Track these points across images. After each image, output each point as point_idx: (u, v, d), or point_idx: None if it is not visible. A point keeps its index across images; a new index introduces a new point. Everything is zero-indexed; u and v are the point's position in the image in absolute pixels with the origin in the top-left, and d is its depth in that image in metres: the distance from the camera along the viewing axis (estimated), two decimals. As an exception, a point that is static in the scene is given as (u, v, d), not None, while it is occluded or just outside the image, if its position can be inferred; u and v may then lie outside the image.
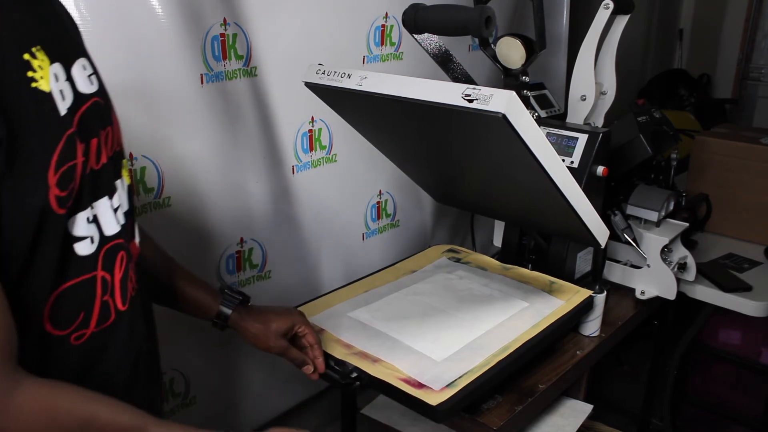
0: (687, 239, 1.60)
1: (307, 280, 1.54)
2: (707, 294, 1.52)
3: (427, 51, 1.23)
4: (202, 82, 1.23)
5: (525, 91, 1.20)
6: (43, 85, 0.58)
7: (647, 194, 1.40)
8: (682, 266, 1.40)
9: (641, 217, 1.39)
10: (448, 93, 0.87)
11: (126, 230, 0.71)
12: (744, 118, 3.45)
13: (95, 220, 0.65)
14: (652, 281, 1.36)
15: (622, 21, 1.34)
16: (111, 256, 0.67)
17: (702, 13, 3.49)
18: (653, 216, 1.38)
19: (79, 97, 0.63)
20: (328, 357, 1.02)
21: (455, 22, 1.07)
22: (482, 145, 1.00)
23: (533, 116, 0.92)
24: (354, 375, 0.99)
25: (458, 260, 1.39)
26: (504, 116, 0.82)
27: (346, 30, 1.48)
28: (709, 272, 1.55)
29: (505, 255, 1.43)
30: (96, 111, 0.66)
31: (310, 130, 1.46)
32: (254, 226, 1.40)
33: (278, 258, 1.46)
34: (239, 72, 1.29)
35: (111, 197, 0.68)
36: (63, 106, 0.60)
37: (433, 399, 0.91)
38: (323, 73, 1.01)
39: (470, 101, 0.84)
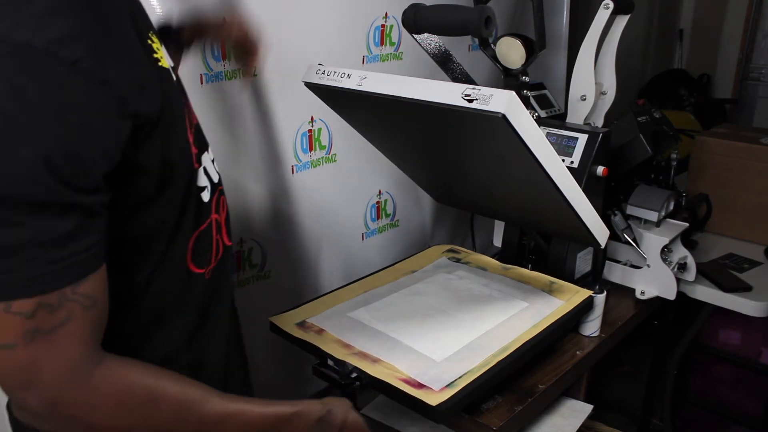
0: (687, 239, 1.60)
1: (307, 280, 1.54)
2: (707, 294, 1.52)
3: (426, 51, 1.23)
4: (201, 82, 1.23)
5: (525, 91, 1.20)
6: (164, 63, 0.67)
7: (647, 194, 1.40)
8: (682, 266, 1.40)
9: (641, 217, 1.39)
10: (448, 93, 0.87)
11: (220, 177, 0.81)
12: (744, 118, 3.45)
13: (206, 171, 0.74)
14: (652, 281, 1.36)
15: (622, 21, 1.33)
16: (218, 200, 0.77)
17: (702, 13, 3.49)
18: (653, 216, 1.38)
19: (173, 69, 0.71)
20: (327, 357, 1.02)
21: (455, 22, 1.07)
22: (482, 145, 1.00)
23: (533, 116, 0.92)
24: (354, 375, 0.99)
25: (458, 260, 1.39)
26: (504, 116, 0.82)
27: (346, 30, 1.48)
28: (709, 272, 1.55)
29: (505, 255, 1.43)
30: (180, 82, 0.74)
31: (310, 130, 1.46)
32: (254, 226, 1.40)
33: (278, 258, 1.46)
34: (239, 72, 1.29)
35: (208, 150, 0.78)
36: (175, 77, 0.70)
37: (433, 399, 0.91)
38: (323, 73, 1.01)
39: (470, 101, 0.84)
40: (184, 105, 0.70)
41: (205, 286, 0.75)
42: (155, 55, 0.65)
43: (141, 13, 0.67)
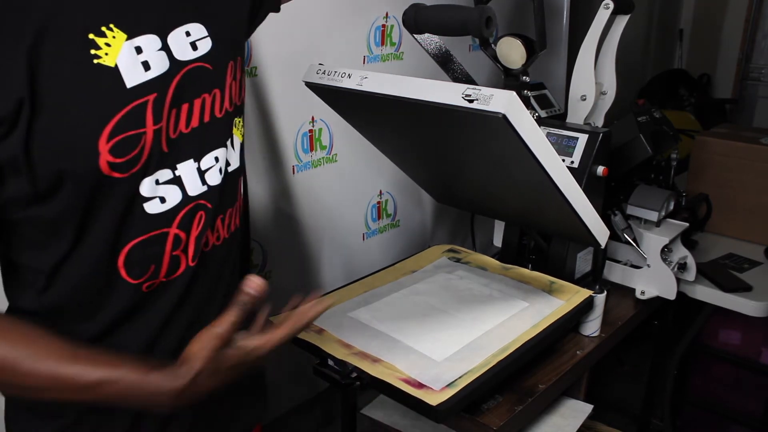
0: (687, 239, 1.60)
1: (308, 280, 1.54)
2: (707, 294, 1.52)
3: (427, 51, 1.23)
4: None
5: (525, 91, 1.20)
6: (108, 61, 0.63)
7: (647, 194, 1.40)
8: (682, 266, 1.40)
9: (641, 217, 1.39)
10: (448, 93, 0.87)
11: (221, 189, 0.75)
12: (744, 118, 3.45)
13: (178, 181, 0.70)
14: (652, 281, 1.36)
15: (622, 21, 1.34)
16: (191, 215, 0.72)
17: (702, 13, 3.49)
18: (653, 216, 1.38)
19: (176, 63, 0.68)
20: (328, 357, 1.03)
21: (455, 22, 1.07)
22: (482, 145, 1.00)
23: (533, 116, 0.92)
24: (354, 375, 0.99)
25: (458, 260, 1.39)
26: (504, 116, 0.82)
27: (346, 30, 1.48)
28: (709, 272, 1.55)
29: (505, 255, 1.43)
30: (196, 76, 0.70)
31: (311, 130, 1.46)
32: (254, 226, 1.40)
33: (278, 258, 1.46)
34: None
35: (199, 160, 0.72)
36: (136, 78, 0.64)
37: (433, 399, 0.91)
38: (323, 73, 1.01)
39: (470, 101, 0.84)
40: (121, 108, 0.64)
41: (141, 299, 0.71)
42: (93, 51, 0.62)
43: (98, 5, 0.63)
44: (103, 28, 0.63)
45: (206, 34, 0.72)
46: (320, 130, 1.47)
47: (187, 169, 0.71)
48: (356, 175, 1.59)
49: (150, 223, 0.69)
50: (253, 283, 0.66)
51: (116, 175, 0.64)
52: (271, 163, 1.39)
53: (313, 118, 1.45)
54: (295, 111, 1.40)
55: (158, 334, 0.74)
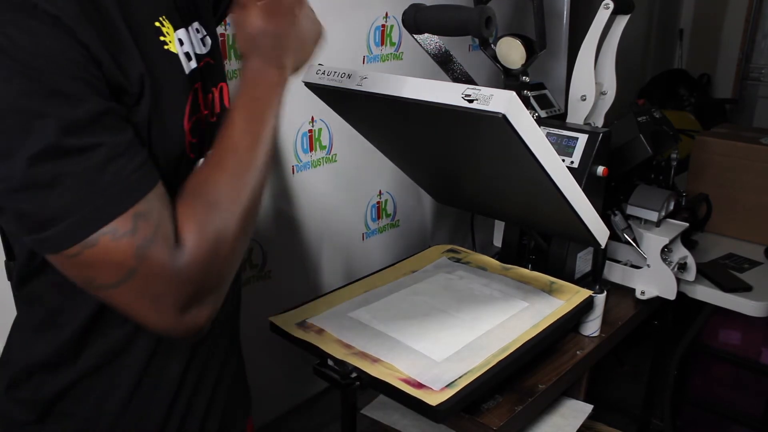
0: (687, 239, 1.60)
1: (307, 280, 1.54)
2: (707, 294, 1.52)
3: (427, 51, 1.23)
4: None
5: (525, 92, 1.20)
6: (172, 48, 0.67)
7: (647, 194, 1.40)
8: (682, 266, 1.40)
9: (641, 217, 1.39)
10: (448, 93, 0.87)
11: None
12: (744, 118, 3.45)
13: None
14: (652, 281, 1.36)
15: (622, 21, 1.34)
16: None
17: (702, 13, 3.49)
18: (653, 216, 1.38)
19: (197, 57, 0.72)
20: (328, 357, 1.03)
21: (455, 22, 1.07)
22: (482, 146, 1.00)
23: (533, 116, 0.92)
24: (354, 375, 0.99)
25: (458, 260, 1.39)
26: (504, 116, 0.82)
27: (346, 30, 1.48)
28: (709, 272, 1.55)
29: (505, 255, 1.43)
30: (209, 70, 0.74)
31: (310, 130, 1.46)
32: (254, 226, 1.40)
33: (278, 258, 1.46)
34: (239, 72, 1.29)
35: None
36: (188, 66, 0.69)
37: (433, 399, 0.91)
38: (323, 73, 1.01)
39: (470, 101, 0.84)
40: (189, 92, 0.69)
41: None
42: (162, 38, 0.66)
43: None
44: (161, 19, 0.67)
45: (206, 32, 0.76)
46: (320, 130, 1.47)
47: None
48: (356, 175, 1.59)
49: None
50: None
51: (192, 156, 0.69)
52: (270, 163, 1.39)
53: (312, 118, 1.45)
54: (294, 111, 1.40)
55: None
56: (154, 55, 0.64)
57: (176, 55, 0.68)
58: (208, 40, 0.76)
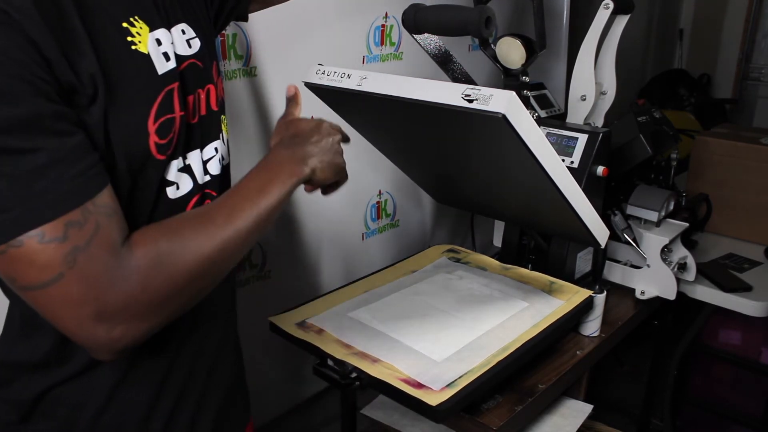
0: (687, 239, 1.60)
1: (307, 280, 1.54)
2: (707, 294, 1.52)
3: (427, 51, 1.23)
4: (202, 82, 1.23)
5: (525, 91, 1.20)
6: (141, 48, 0.66)
7: (647, 194, 1.40)
8: (682, 266, 1.40)
9: (641, 217, 1.39)
10: (448, 93, 0.87)
11: (221, 180, 0.81)
12: (744, 118, 3.45)
13: (188, 169, 0.74)
14: (652, 281, 1.36)
15: (622, 21, 1.34)
16: (200, 203, 0.76)
17: (702, 13, 3.49)
18: (653, 216, 1.38)
19: (178, 58, 0.72)
20: (327, 357, 1.03)
21: (455, 22, 1.07)
22: (482, 146, 1.00)
23: (533, 116, 0.92)
24: (354, 375, 0.99)
25: (458, 260, 1.39)
26: (504, 116, 0.82)
27: (346, 30, 1.48)
28: (709, 272, 1.55)
29: (505, 255, 1.43)
30: (193, 71, 0.74)
31: (310, 130, 1.45)
32: (254, 226, 1.40)
33: (278, 258, 1.46)
34: (239, 72, 1.29)
35: (202, 150, 0.77)
36: (162, 67, 0.68)
37: (433, 399, 0.91)
38: (323, 73, 1.01)
39: (470, 101, 0.84)
40: (160, 92, 0.68)
41: None
42: (129, 38, 0.65)
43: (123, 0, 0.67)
44: (132, 19, 0.66)
45: (195, 34, 0.76)
46: (320, 130, 1.47)
47: (194, 158, 0.75)
48: (356, 175, 1.58)
49: (170, 208, 0.71)
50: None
51: (159, 156, 0.68)
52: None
53: (312, 118, 1.45)
54: (294, 111, 1.40)
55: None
56: (116, 54, 0.63)
57: (146, 55, 0.67)
58: (197, 42, 0.76)
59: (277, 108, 1.36)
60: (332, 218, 1.56)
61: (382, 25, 1.55)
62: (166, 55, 0.69)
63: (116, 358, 0.62)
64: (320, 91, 1.04)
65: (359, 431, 1.25)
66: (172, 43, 0.71)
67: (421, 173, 1.34)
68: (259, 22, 1.28)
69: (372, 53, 1.55)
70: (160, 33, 0.69)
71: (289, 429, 1.61)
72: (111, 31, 0.63)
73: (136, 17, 0.67)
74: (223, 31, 1.24)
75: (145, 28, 0.68)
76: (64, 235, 0.55)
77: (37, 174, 0.54)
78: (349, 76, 0.97)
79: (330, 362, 1.02)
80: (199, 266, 0.63)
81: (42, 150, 0.54)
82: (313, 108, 1.39)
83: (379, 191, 1.68)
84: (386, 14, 1.55)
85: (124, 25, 0.65)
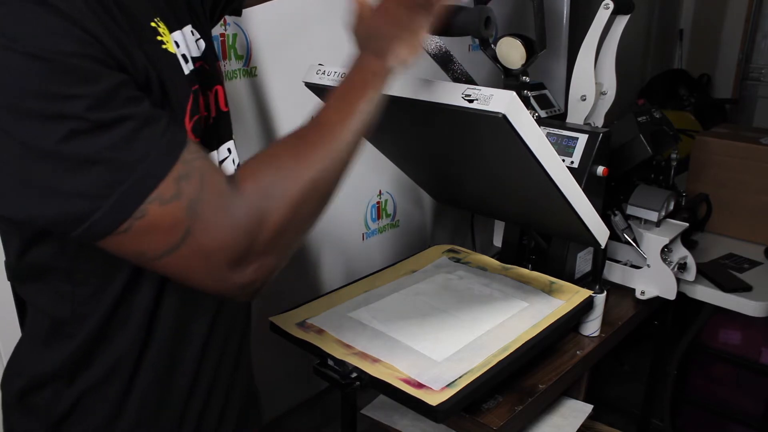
0: (687, 239, 1.60)
1: (307, 280, 1.54)
2: (707, 294, 1.51)
3: (427, 51, 1.23)
4: (202, 82, 1.23)
5: (525, 92, 1.20)
6: (170, 48, 0.67)
7: (647, 194, 1.40)
8: (682, 266, 1.40)
9: (641, 217, 1.39)
10: (448, 93, 0.87)
11: None
12: (744, 118, 3.44)
13: None
14: (652, 281, 1.36)
15: (622, 21, 1.34)
16: None
17: (702, 13, 3.49)
18: (653, 216, 1.38)
19: (192, 60, 0.72)
20: (328, 357, 1.03)
21: (455, 22, 1.07)
22: (482, 146, 1.00)
23: (533, 116, 0.92)
24: (354, 375, 0.99)
25: (458, 260, 1.39)
26: (504, 116, 0.82)
27: (346, 30, 1.48)
28: (709, 272, 1.55)
29: (505, 255, 1.43)
30: (203, 73, 0.74)
31: (310, 130, 1.45)
32: (254, 226, 1.40)
33: (278, 258, 1.46)
34: (239, 72, 1.29)
35: (218, 151, 0.77)
36: (186, 68, 0.69)
37: (433, 399, 0.91)
38: (323, 73, 1.01)
39: (470, 101, 0.84)
40: (190, 93, 0.69)
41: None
42: (159, 38, 0.66)
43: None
44: (156, 20, 0.66)
45: (200, 35, 0.76)
46: (320, 130, 1.47)
47: (212, 157, 0.76)
48: (356, 175, 1.58)
49: None
50: None
51: None
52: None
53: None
54: (294, 111, 1.40)
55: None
56: (154, 52, 0.63)
57: (175, 56, 0.67)
58: (202, 44, 0.76)
59: (278, 108, 1.36)
60: (332, 218, 1.56)
61: (382, 25, 1.55)
62: (184, 57, 0.70)
63: (255, 299, 0.62)
64: (320, 91, 1.04)
65: (359, 431, 1.25)
66: (187, 45, 0.71)
67: (421, 173, 1.34)
68: (259, 22, 1.28)
69: (372, 53, 1.54)
70: (177, 35, 0.70)
71: (289, 429, 1.61)
72: (147, 31, 0.64)
73: (158, 18, 0.67)
74: (224, 32, 1.24)
75: (166, 29, 0.68)
76: (178, 191, 0.54)
77: (133, 139, 0.53)
78: (349, 76, 0.97)
79: (330, 362, 1.02)
80: (308, 195, 0.62)
81: (129, 117, 0.54)
82: (313, 108, 1.39)
83: (380, 191, 1.68)
84: (386, 14, 1.54)
85: (152, 25, 0.66)
